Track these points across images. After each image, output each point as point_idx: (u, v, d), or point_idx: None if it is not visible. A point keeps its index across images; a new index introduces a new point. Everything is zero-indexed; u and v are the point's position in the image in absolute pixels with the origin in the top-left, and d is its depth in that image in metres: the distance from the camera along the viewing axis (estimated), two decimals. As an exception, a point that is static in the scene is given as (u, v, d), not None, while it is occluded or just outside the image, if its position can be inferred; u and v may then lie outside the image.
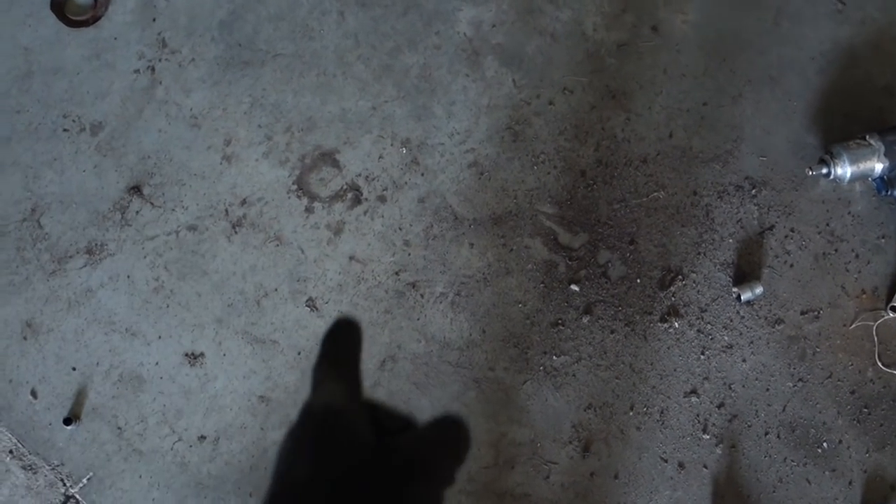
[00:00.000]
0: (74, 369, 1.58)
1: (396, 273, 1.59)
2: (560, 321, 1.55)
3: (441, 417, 0.55)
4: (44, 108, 1.69)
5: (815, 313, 1.53)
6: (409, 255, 1.59)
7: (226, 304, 1.59)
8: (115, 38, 1.73)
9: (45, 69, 1.71)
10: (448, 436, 0.55)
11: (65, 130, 1.68)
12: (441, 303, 1.57)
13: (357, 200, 1.63)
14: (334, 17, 1.73)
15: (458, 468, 0.54)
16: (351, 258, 1.60)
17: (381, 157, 1.64)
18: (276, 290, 1.59)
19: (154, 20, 1.74)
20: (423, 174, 1.63)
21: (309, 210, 1.63)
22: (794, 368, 1.51)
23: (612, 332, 1.54)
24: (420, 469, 0.52)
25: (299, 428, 0.51)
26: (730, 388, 1.51)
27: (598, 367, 1.53)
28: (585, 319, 1.55)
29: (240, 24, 1.73)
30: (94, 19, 1.72)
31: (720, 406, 1.50)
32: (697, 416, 1.50)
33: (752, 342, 1.53)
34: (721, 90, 1.65)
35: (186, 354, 1.58)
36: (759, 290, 1.52)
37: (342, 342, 0.57)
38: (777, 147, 1.61)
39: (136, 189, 1.64)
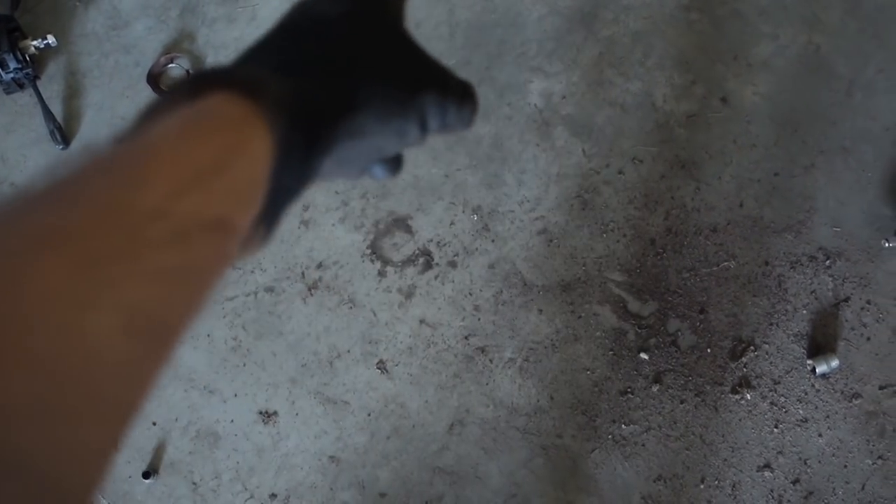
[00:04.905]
0: (155, 424, 1.64)
1: (466, 338, 1.61)
2: (629, 389, 1.55)
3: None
4: (136, 173, 1.79)
5: (895, 388, 1.49)
6: (479, 319, 1.62)
7: (300, 363, 1.64)
8: (204, 109, 1.84)
9: (140, 137, 1.82)
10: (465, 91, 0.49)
11: (155, 195, 1.78)
12: (510, 368, 1.59)
13: (428, 265, 1.67)
14: (410, 89, 1.80)
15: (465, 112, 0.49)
16: (421, 322, 1.64)
17: (452, 223, 1.69)
18: (348, 351, 1.63)
19: (240, 92, 1.84)
20: (493, 241, 1.67)
21: (382, 274, 1.67)
22: (874, 445, 1.47)
23: (682, 401, 1.53)
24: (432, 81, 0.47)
25: None
26: (805, 464, 1.47)
27: (667, 437, 1.52)
28: (655, 388, 1.54)
29: (320, 95, 1.82)
30: (186, 91, 1.84)
31: (795, 482, 1.47)
32: (771, 491, 1.47)
33: (828, 416, 1.49)
34: (793, 160, 1.65)
35: (260, 412, 1.62)
36: (834, 363, 1.49)
37: None
38: (851, 218, 1.60)
39: (218, 251, 1.72)
